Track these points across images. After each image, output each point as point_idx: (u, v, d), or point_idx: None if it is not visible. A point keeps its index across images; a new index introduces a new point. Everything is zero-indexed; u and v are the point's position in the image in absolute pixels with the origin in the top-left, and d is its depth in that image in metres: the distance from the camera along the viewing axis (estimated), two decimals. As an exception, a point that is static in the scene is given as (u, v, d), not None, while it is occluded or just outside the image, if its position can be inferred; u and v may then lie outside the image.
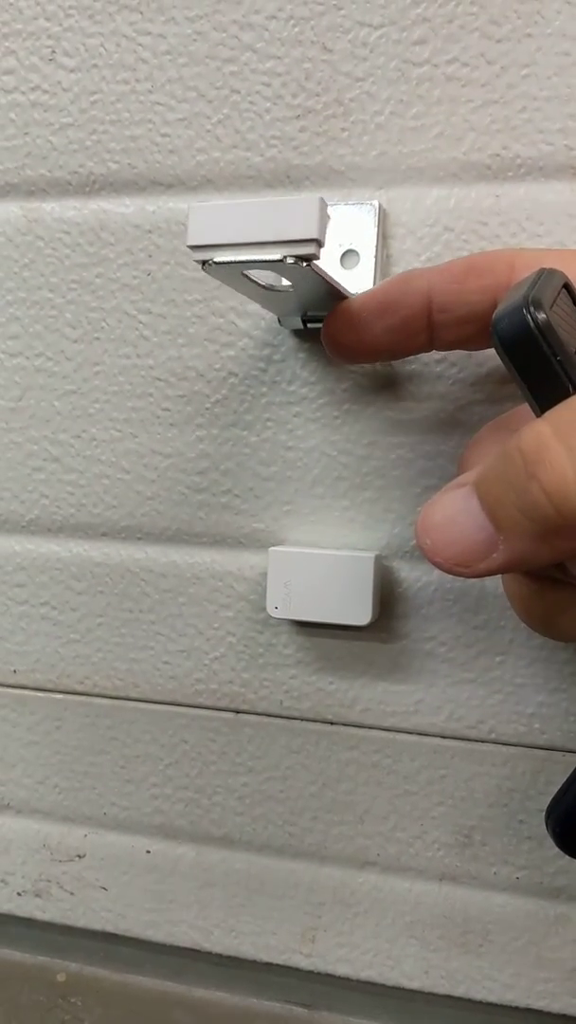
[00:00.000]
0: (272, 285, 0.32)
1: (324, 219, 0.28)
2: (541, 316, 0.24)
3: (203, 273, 0.37)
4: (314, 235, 0.27)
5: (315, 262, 0.28)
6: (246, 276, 0.31)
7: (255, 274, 0.31)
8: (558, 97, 0.35)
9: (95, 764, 0.45)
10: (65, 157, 0.41)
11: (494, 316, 0.25)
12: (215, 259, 0.29)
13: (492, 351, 0.33)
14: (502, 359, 0.25)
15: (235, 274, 0.31)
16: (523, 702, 0.39)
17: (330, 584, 0.38)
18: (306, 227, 0.27)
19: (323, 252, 0.37)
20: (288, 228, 0.28)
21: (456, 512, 0.26)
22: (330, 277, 0.31)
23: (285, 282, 0.32)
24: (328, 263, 0.37)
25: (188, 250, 0.30)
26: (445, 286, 0.31)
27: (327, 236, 0.37)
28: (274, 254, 0.28)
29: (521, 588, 0.30)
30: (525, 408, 0.30)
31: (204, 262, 0.29)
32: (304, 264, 0.28)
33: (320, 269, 0.29)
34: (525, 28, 0.35)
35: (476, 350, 0.35)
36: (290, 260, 0.28)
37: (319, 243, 0.28)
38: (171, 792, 0.44)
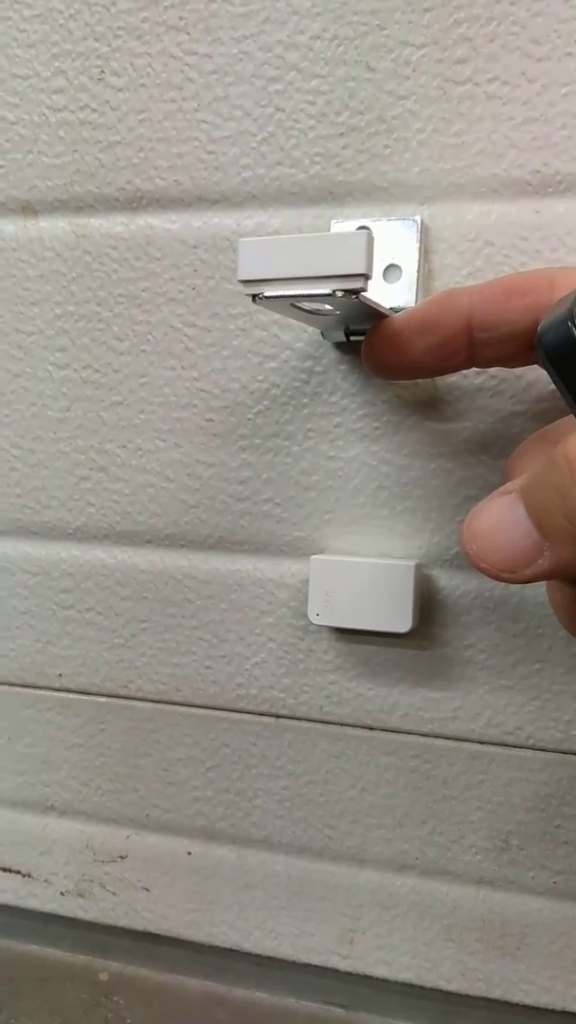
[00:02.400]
0: (317, 310, 0.33)
1: (372, 253, 0.28)
2: None
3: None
4: (363, 270, 0.28)
5: (362, 292, 0.29)
6: (294, 305, 0.32)
7: (303, 302, 0.32)
8: (598, 115, 0.36)
9: (138, 767, 0.45)
10: (113, 174, 0.42)
11: (539, 329, 0.26)
12: (266, 293, 0.30)
13: (531, 365, 0.34)
14: (547, 371, 0.26)
15: (283, 304, 0.32)
16: (561, 709, 0.39)
17: (371, 592, 0.39)
18: (355, 262, 0.28)
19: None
20: (337, 263, 0.29)
21: (502, 519, 0.27)
22: (376, 304, 0.32)
23: (329, 306, 0.33)
24: (371, 279, 0.38)
25: (239, 284, 0.30)
26: (486, 306, 0.32)
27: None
28: (324, 288, 0.29)
29: (565, 596, 0.31)
30: (569, 420, 0.31)
31: (255, 296, 0.30)
32: (353, 297, 0.29)
33: (367, 299, 0.30)
34: (565, 47, 0.36)
35: (515, 367, 0.36)
36: (340, 294, 0.29)
37: (368, 277, 0.28)
38: (212, 795, 0.44)
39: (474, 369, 0.38)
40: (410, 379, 0.38)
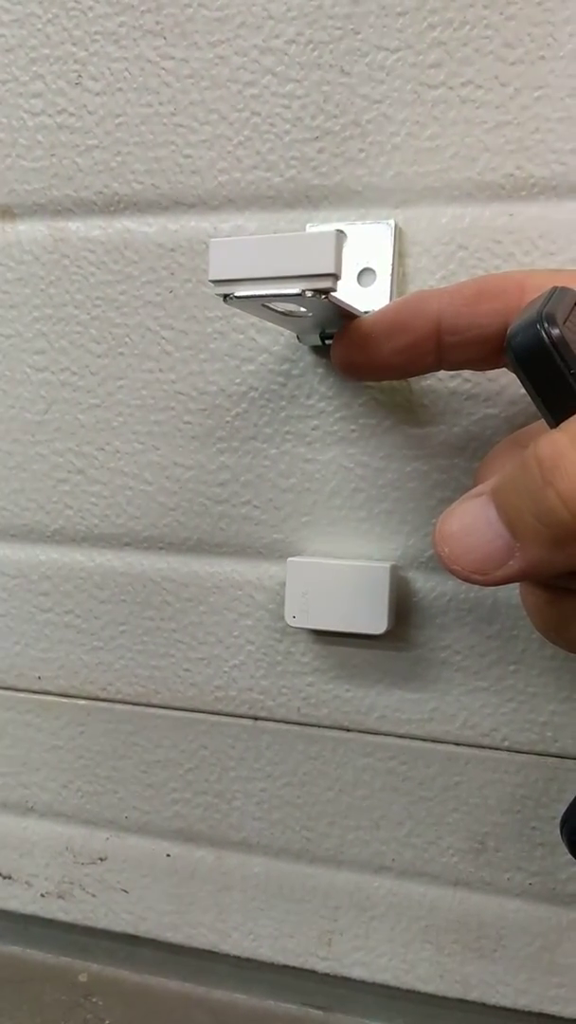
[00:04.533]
0: (291, 312, 0.33)
1: (340, 253, 0.29)
2: (555, 331, 0.25)
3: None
4: (332, 270, 0.29)
5: (332, 293, 0.29)
6: (265, 306, 0.32)
7: (274, 303, 0.32)
8: (571, 118, 0.36)
9: (117, 769, 0.46)
10: (90, 178, 0.42)
11: (508, 332, 0.26)
12: (236, 293, 0.30)
13: (500, 368, 0.34)
14: (516, 374, 0.26)
15: (255, 305, 0.32)
16: (536, 710, 0.39)
17: (347, 593, 0.39)
18: (324, 262, 0.29)
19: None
20: (307, 263, 0.29)
21: (473, 521, 0.27)
22: (346, 305, 0.32)
23: (302, 308, 0.33)
24: (345, 282, 0.38)
25: (210, 283, 0.30)
26: (456, 309, 0.32)
27: (344, 256, 0.38)
28: (293, 288, 0.29)
29: (537, 599, 0.31)
30: (539, 426, 0.31)
31: (225, 295, 0.30)
32: (323, 297, 0.29)
33: (337, 299, 0.30)
34: (538, 51, 0.36)
35: (484, 370, 0.36)
36: (309, 293, 0.29)
37: (336, 276, 0.29)
38: (191, 797, 0.45)
39: (448, 373, 0.38)
40: (378, 380, 0.38)
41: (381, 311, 0.34)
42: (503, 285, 0.31)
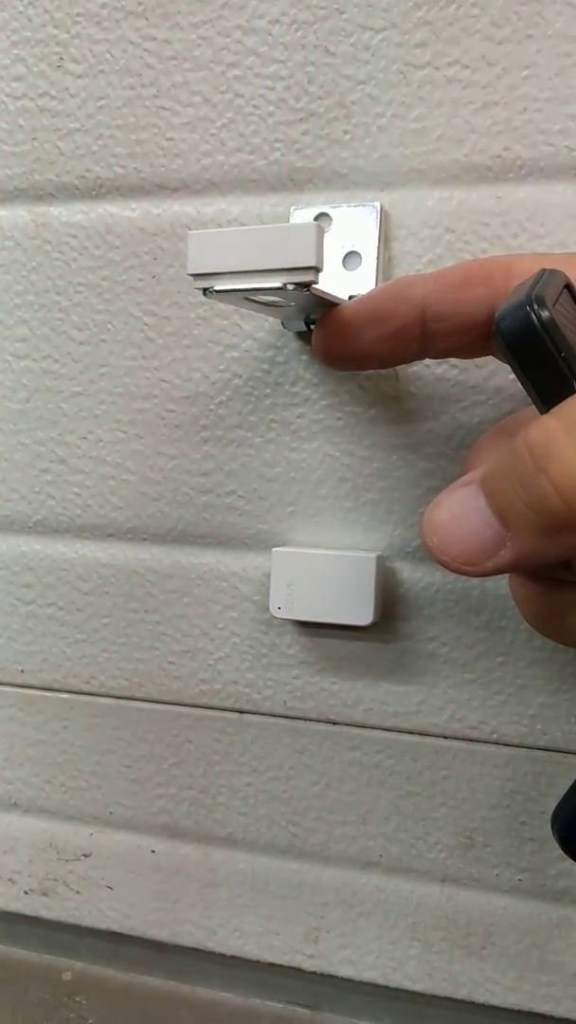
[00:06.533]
0: (273, 302, 0.33)
1: (321, 244, 0.28)
2: (545, 314, 0.24)
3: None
4: (312, 263, 0.28)
5: (314, 285, 0.29)
6: (247, 298, 0.31)
7: (255, 295, 0.31)
8: (559, 98, 0.35)
9: (101, 763, 0.45)
10: (72, 162, 0.41)
11: (497, 315, 0.25)
12: (216, 287, 0.30)
13: (486, 356, 0.34)
14: (506, 358, 0.25)
15: (236, 297, 0.31)
16: (525, 703, 0.38)
17: (332, 584, 0.38)
18: (305, 255, 0.28)
19: (325, 255, 0.38)
20: (287, 256, 0.28)
21: (462, 510, 0.26)
22: (329, 295, 0.31)
23: (282, 299, 0.32)
24: (330, 265, 0.37)
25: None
26: (440, 295, 0.31)
27: (329, 239, 0.37)
28: (274, 282, 0.29)
29: (527, 590, 0.30)
30: (527, 413, 0.30)
31: (205, 289, 0.30)
32: (304, 289, 0.29)
33: (319, 291, 0.30)
34: (526, 30, 0.35)
35: (469, 358, 0.35)
36: (290, 287, 0.29)
37: (318, 269, 0.28)
38: (176, 792, 0.44)
39: (435, 360, 0.37)
40: (361, 369, 0.38)
41: (363, 298, 0.33)
42: (489, 270, 0.30)
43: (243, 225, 0.39)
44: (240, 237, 0.29)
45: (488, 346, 0.32)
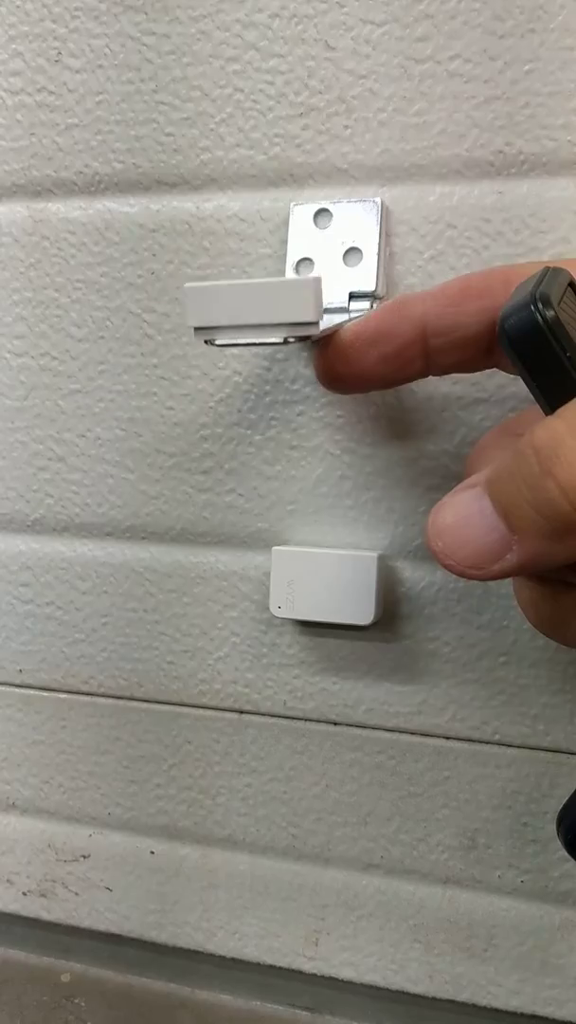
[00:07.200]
0: (275, 345, 0.33)
1: (320, 298, 0.28)
2: (550, 313, 0.24)
3: (206, 272, 0.38)
4: (312, 318, 0.28)
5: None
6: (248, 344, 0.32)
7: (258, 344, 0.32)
8: (561, 93, 0.35)
9: (99, 764, 0.44)
10: (71, 157, 0.41)
11: (501, 314, 0.25)
12: (217, 341, 0.30)
13: (489, 370, 0.33)
14: (510, 357, 0.25)
15: (239, 347, 0.31)
16: (527, 703, 0.38)
17: (333, 583, 0.38)
18: (305, 311, 0.28)
19: (325, 251, 0.37)
20: (287, 312, 0.28)
21: (468, 513, 0.26)
22: (328, 330, 0.31)
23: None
24: (331, 262, 0.37)
25: (192, 330, 0.30)
26: (440, 310, 0.30)
27: (329, 236, 0.37)
28: (275, 336, 0.29)
29: (533, 593, 0.30)
30: (530, 412, 0.30)
31: (207, 340, 0.30)
32: (305, 339, 0.29)
33: (319, 334, 0.30)
34: (528, 24, 0.35)
35: (473, 372, 0.35)
36: (292, 340, 0.29)
37: (317, 323, 0.28)
38: (175, 793, 0.44)
39: (438, 377, 0.37)
40: (364, 391, 0.37)
41: (363, 319, 0.32)
42: (487, 282, 0.30)
43: (243, 223, 0.39)
44: (238, 291, 0.29)
45: (491, 359, 0.31)
